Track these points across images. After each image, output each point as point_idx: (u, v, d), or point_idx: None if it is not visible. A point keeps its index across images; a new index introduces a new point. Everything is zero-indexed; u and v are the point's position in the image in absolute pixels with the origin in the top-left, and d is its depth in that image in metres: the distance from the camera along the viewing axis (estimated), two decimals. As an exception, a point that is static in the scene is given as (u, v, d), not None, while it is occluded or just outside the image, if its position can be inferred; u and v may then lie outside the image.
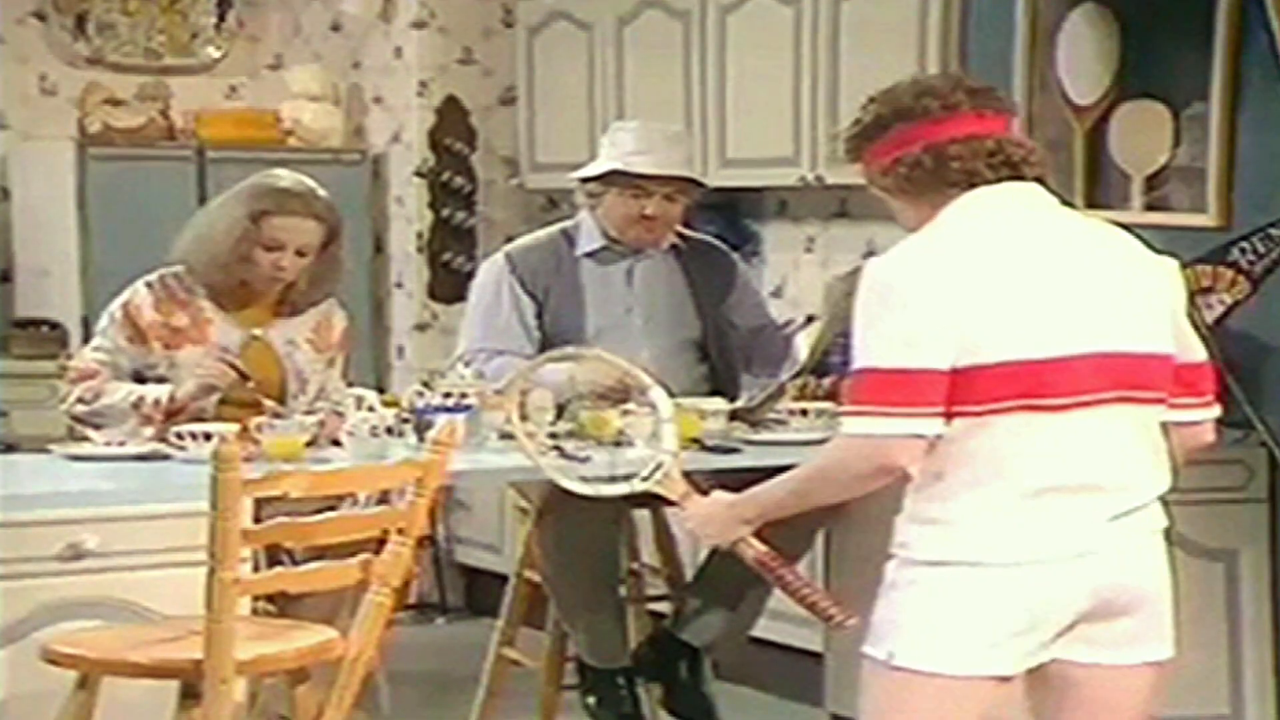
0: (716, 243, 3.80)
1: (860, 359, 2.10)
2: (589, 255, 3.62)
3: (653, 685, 3.49)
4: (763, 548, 2.29)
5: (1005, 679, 2.12)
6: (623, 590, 3.54)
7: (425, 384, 3.28)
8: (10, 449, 3.80)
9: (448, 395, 3.19)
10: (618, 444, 3.18)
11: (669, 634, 3.45)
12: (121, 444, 3.11)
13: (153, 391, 3.22)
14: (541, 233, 3.73)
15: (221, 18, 5.81)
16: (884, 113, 2.19)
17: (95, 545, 2.71)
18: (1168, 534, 2.22)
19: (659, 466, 2.43)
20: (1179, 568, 3.45)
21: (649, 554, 3.65)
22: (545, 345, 3.57)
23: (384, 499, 3.04)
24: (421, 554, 4.81)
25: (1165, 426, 2.18)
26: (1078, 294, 2.12)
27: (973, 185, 2.14)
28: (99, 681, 2.54)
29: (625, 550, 3.55)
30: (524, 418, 3.26)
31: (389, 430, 3.05)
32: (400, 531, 2.66)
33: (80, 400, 3.26)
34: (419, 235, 5.51)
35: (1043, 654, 2.13)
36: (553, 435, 3.22)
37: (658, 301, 3.62)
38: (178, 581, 2.63)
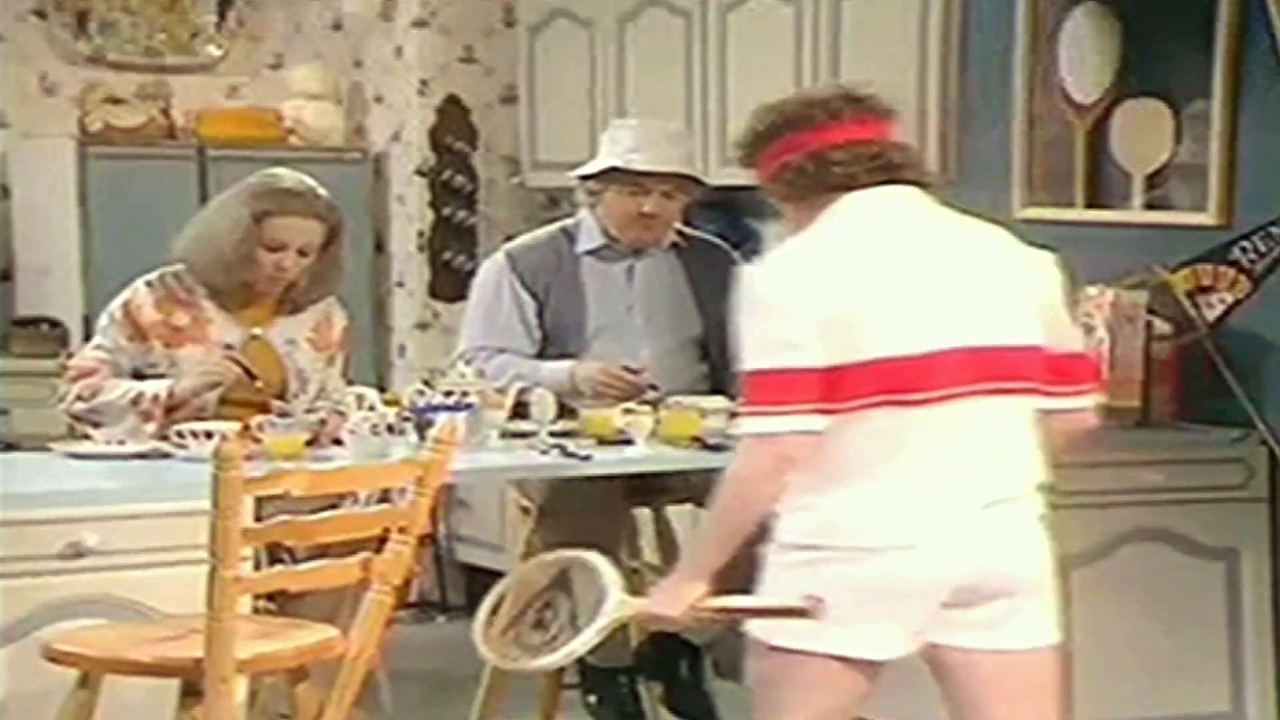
0: (717, 241, 3.80)
1: (746, 362, 2.23)
2: (589, 253, 3.62)
3: (653, 684, 3.49)
4: (714, 602, 2.30)
5: (873, 664, 2.21)
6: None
7: (426, 382, 3.29)
8: (11, 447, 3.80)
9: (449, 394, 3.19)
10: (619, 443, 3.19)
11: (670, 633, 3.45)
12: (122, 442, 3.11)
13: (151, 387, 3.22)
14: (542, 231, 3.73)
15: (222, 16, 5.80)
16: (774, 121, 2.32)
17: (96, 543, 2.72)
18: (1045, 520, 2.30)
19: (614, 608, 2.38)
20: (1180, 567, 3.47)
21: (650, 552, 3.65)
22: (546, 343, 3.58)
23: (385, 498, 3.04)
24: (422, 552, 4.81)
25: (1043, 416, 2.27)
26: (945, 291, 2.23)
27: (850, 187, 2.26)
28: (100, 680, 2.54)
29: (626, 549, 3.55)
30: (525, 417, 3.27)
31: (390, 429, 3.05)
32: (401, 530, 2.66)
33: (79, 398, 3.26)
34: (420, 234, 5.51)
35: (915, 640, 2.23)
36: (554, 435, 3.22)
37: (658, 300, 3.62)
38: (179, 580, 2.64)
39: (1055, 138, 3.90)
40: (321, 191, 3.35)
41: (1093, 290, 3.66)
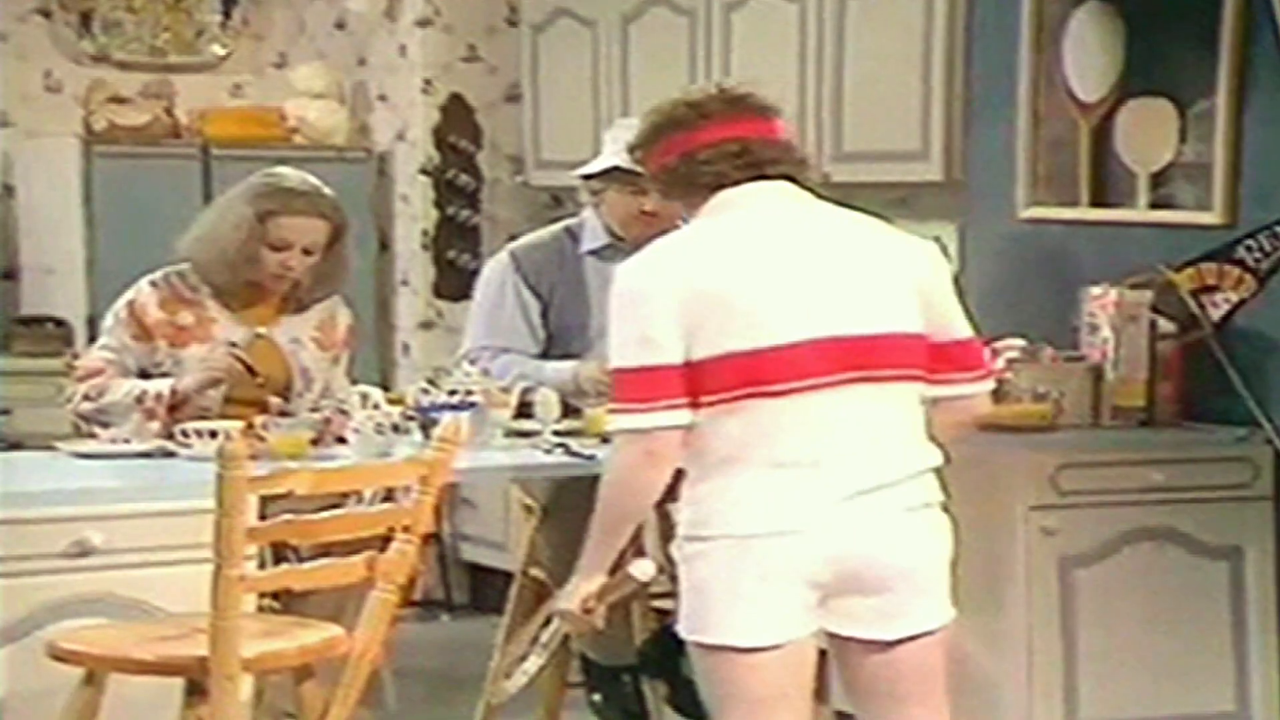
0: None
1: (612, 359, 2.29)
2: (593, 253, 3.63)
3: (657, 682, 3.49)
4: (594, 600, 2.40)
5: (766, 649, 2.26)
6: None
7: (430, 382, 3.29)
8: (15, 446, 3.81)
9: (453, 393, 3.19)
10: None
11: (674, 631, 3.44)
12: (126, 441, 3.12)
13: (154, 385, 3.23)
14: (546, 231, 3.74)
15: (226, 15, 5.81)
16: (654, 123, 2.39)
17: (100, 542, 2.72)
18: (946, 508, 2.34)
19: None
20: (1184, 566, 3.48)
21: (654, 551, 3.65)
22: (550, 343, 3.59)
23: (389, 497, 3.04)
24: (426, 551, 4.81)
25: (931, 404, 2.32)
26: (809, 282, 2.27)
27: (720, 185, 2.32)
28: (104, 678, 2.55)
29: (630, 547, 3.55)
30: (529, 417, 3.28)
31: (394, 428, 3.06)
32: (405, 529, 2.67)
33: (86, 398, 3.27)
34: (424, 233, 5.51)
35: (801, 626, 2.28)
36: (557, 434, 3.23)
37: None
38: (183, 579, 2.64)
39: (1060, 137, 3.90)
40: (326, 190, 3.36)
41: (1097, 289, 3.66)
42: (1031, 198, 3.98)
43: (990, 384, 2.42)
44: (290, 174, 3.37)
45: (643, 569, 2.31)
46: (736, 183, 2.32)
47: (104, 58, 5.67)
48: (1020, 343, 3.62)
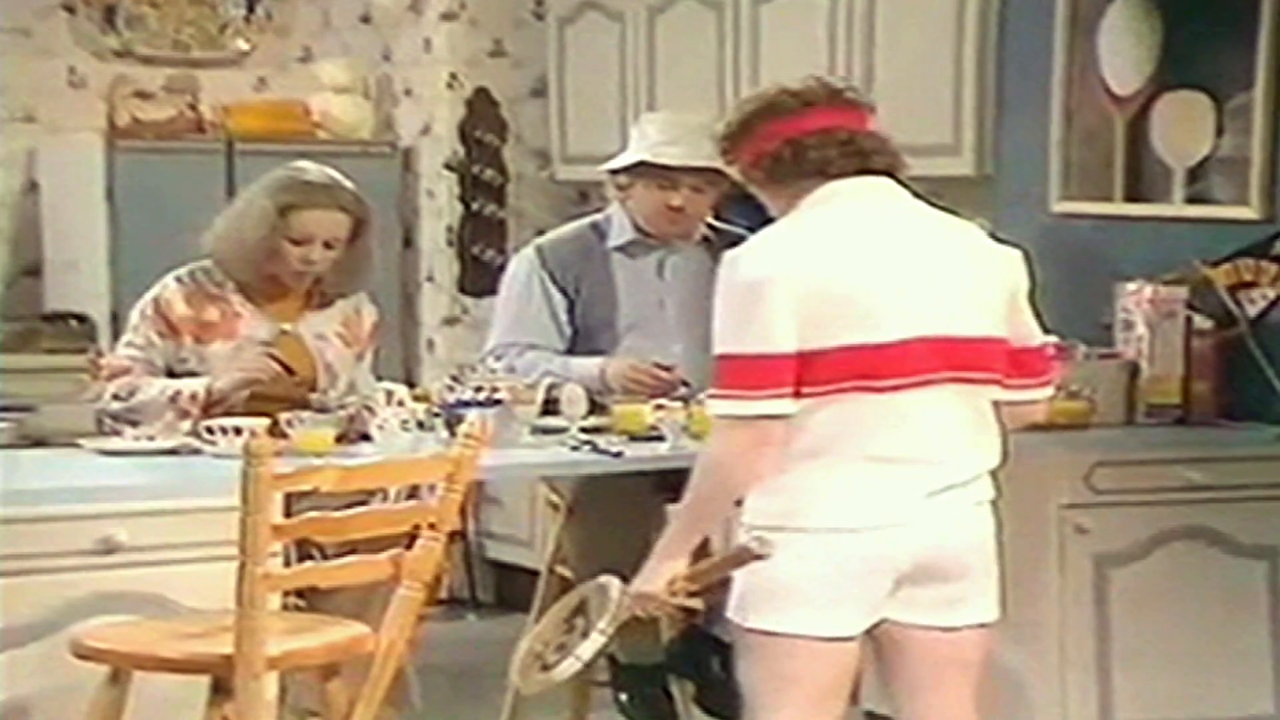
0: (749, 235, 3.79)
1: (721, 346, 2.32)
2: (620, 248, 3.63)
3: (685, 681, 3.49)
4: (683, 573, 2.37)
5: (841, 640, 2.30)
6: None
7: (455, 378, 3.30)
8: (40, 444, 3.82)
9: (478, 390, 3.20)
10: (650, 439, 3.20)
11: (701, 629, 3.46)
12: (151, 438, 3.14)
13: (189, 385, 3.24)
14: (572, 226, 3.74)
15: (250, 10, 5.83)
16: (750, 113, 2.42)
17: (126, 539, 2.74)
18: (995, 504, 2.41)
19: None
20: (1221, 566, 3.46)
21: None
22: (576, 339, 3.59)
23: (413, 494, 3.05)
24: (452, 549, 4.83)
25: (997, 406, 2.36)
26: (917, 281, 2.33)
27: (826, 174, 2.36)
28: (130, 676, 2.56)
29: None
30: (555, 413, 3.28)
31: (419, 425, 3.07)
32: (432, 527, 2.67)
33: (116, 397, 3.29)
34: (449, 228, 5.52)
35: (872, 616, 2.34)
36: (584, 431, 3.23)
37: (690, 295, 3.62)
38: (208, 576, 2.66)
39: (1094, 130, 3.88)
40: (347, 184, 3.37)
41: (1132, 286, 3.64)
42: (1064, 192, 3.96)
43: (1051, 389, 2.49)
44: (311, 168, 3.39)
45: (761, 543, 2.28)
46: (841, 172, 2.35)
47: (127, 53, 5.69)
48: (1053, 340, 3.60)
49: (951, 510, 2.34)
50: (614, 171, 3.62)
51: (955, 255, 2.37)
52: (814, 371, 2.27)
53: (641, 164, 3.55)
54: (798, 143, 2.35)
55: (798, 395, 2.28)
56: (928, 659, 2.37)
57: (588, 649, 2.39)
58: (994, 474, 2.41)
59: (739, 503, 2.37)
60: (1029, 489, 3.30)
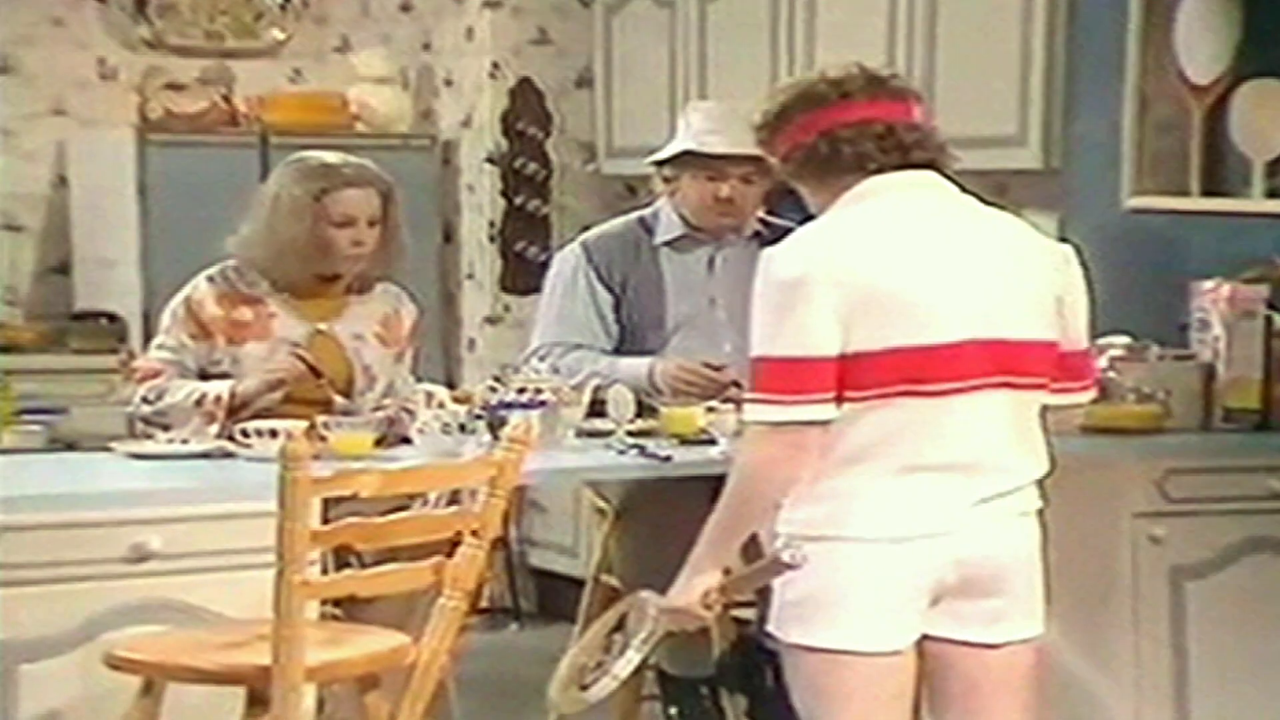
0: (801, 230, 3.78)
1: (758, 348, 2.29)
2: (668, 244, 3.63)
3: (737, 695, 3.48)
4: (718, 594, 2.36)
5: (890, 654, 2.28)
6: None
7: (497, 379, 3.30)
8: (70, 447, 3.86)
9: (521, 391, 3.20)
10: (701, 442, 3.19)
11: (754, 641, 3.44)
12: (185, 442, 3.15)
13: (214, 388, 3.26)
14: (619, 221, 3.74)
15: (286, -2, 5.87)
16: (786, 102, 2.38)
17: (159, 546, 2.75)
18: (1041, 515, 2.38)
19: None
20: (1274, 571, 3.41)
21: (732, 557, 3.64)
22: (624, 339, 3.59)
23: (453, 500, 3.06)
24: (494, 557, 4.84)
25: (1043, 410, 2.35)
26: (965, 280, 2.29)
27: (864, 168, 2.32)
28: (163, 688, 2.57)
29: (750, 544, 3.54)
30: (601, 416, 3.28)
31: (461, 428, 3.07)
32: (474, 533, 2.68)
33: (145, 401, 3.31)
34: (491, 224, 5.53)
35: (919, 628, 2.32)
36: (632, 434, 3.23)
37: (741, 292, 3.59)
38: (244, 584, 2.67)
39: (1169, 121, 3.85)
40: (365, 160, 3.37)
41: (1208, 284, 3.61)
42: (1137, 186, 3.93)
43: (1093, 394, 2.48)
44: (320, 153, 3.41)
45: (793, 553, 2.27)
46: (880, 166, 2.32)
47: (159, 43, 5.73)
48: (1125, 340, 3.58)
49: (997, 520, 2.31)
50: (659, 163, 3.62)
51: (1004, 253, 2.33)
52: (859, 375, 2.24)
53: (687, 154, 3.54)
54: (833, 135, 2.32)
55: (840, 400, 2.25)
56: (972, 678, 2.34)
57: (623, 668, 2.38)
58: (1041, 484, 2.38)
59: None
60: (1100, 497, 3.28)
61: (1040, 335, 2.33)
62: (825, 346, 2.24)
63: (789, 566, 2.27)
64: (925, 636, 2.33)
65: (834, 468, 2.28)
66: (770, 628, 2.36)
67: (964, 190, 2.38)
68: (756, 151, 3.54)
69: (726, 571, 2.38)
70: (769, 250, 2.33)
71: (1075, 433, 2.47)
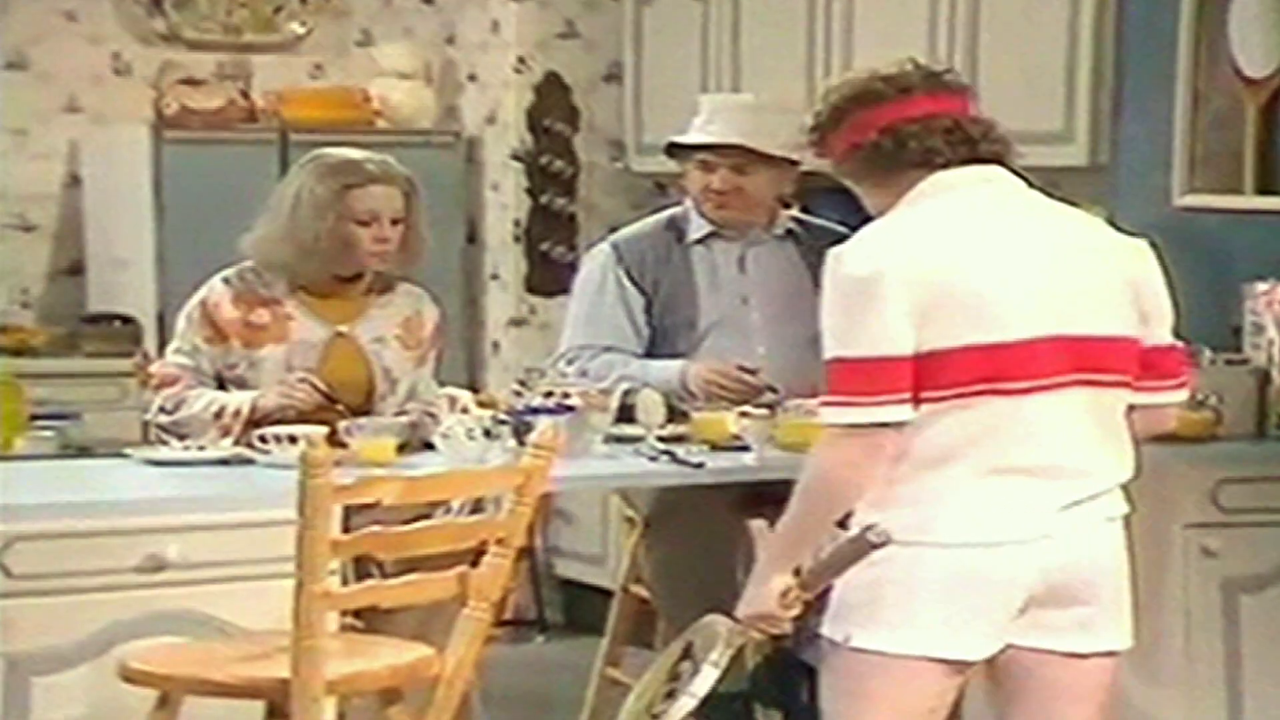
0: (838, 229, 3.77)
1: (831, 349, 2.29)
2: (699, 242, 3.63)
3: (772, 710, 3.48)
4: (794, 589, 2.34)
5: (962, 664, 2.27)
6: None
7: (523, 383, 3.31)
8: (84, 452, 3.87)
9: (548, 395, 3.21)
10: (734, 449, 3.19)
11: (789, 654, 3.44)
12: (202, 448, 3.16)
13: (233, 401, 3.26)
14: (649, 220, 3.75)
15: (306, -10, 5.88)
16: (841, 101, 2.39)
17: (176, 556, 2.76)
18: (1127, 520, 2.36)
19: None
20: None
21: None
22: (654, 341, 3.59)
23: (476, 508, 3.06)
24: (519, 567, 4.84)
25: (1128, 410, 2.33)
26: (1038, 277, 2.29)
27: (931, 164, 2.33)
28: (180, 701, 2.58)
29: (741, 563, 3.53)
30: (631, 421, 3.28)
31: (486, 433, 3.07)
32: (500, 542, 2.68)
33: (162, 410, 3.32)
34: (516, 223, 5.54)
35: (998, 640, 2.29)
36: (662, 440, 3.23)
37: (775, 293, 3.62)
38: (263, 595, 2.67)
39: (1223, 116, 3.83)
40: (386, 157, 3.38)
41: (1263, 286, 3.59)
42: (1189, 184, 3.91)
43: (1185, 393, 2.47)
44: (339, 149, 3.41)
45: (879, 532, 2.25)
46: (948, 161, 2.33)
47: (175, 37, 5.75)
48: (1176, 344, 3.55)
49: (1085, 525, 2.30)
50: (670, 155, 3.64)
51: (1078, 248, 2.34)
52: (935, 375, 2.24)
53: (675, 146, 3.58)
54: (898, 131, 2.33)
55: (917, 401, 2.25)
56: (1052, 689, 2.32)
57: (701, 684, 2.35)
58: (1125, 487, 2.37)
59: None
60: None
61: (1118, 331, 2.33)
62: (900, 346, 2.24)
63: (875, 546, 2.25)
64: (1009, 645, 2.31)
65: (916, 471, 2.27)
66: (825, 629, 2.34)
67: (1030, 185, 2.38)
68: (731, 140, 3.59)
69: (796, 572, 2.35)
70: (836, 249, 2.33)
71: (1169, 434, 2.46)
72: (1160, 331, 2.40)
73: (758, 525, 2.43)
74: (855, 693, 2.32)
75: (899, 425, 2.25)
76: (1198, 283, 3.84)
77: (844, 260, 2.30)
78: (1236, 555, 3.30)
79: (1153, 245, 4.16)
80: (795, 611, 2.35)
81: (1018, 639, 2.32)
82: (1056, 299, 2.28)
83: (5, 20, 5.55)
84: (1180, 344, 2.44)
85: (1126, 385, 2.35)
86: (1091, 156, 4.10)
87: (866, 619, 2.30)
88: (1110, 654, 2.35)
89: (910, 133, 2.32)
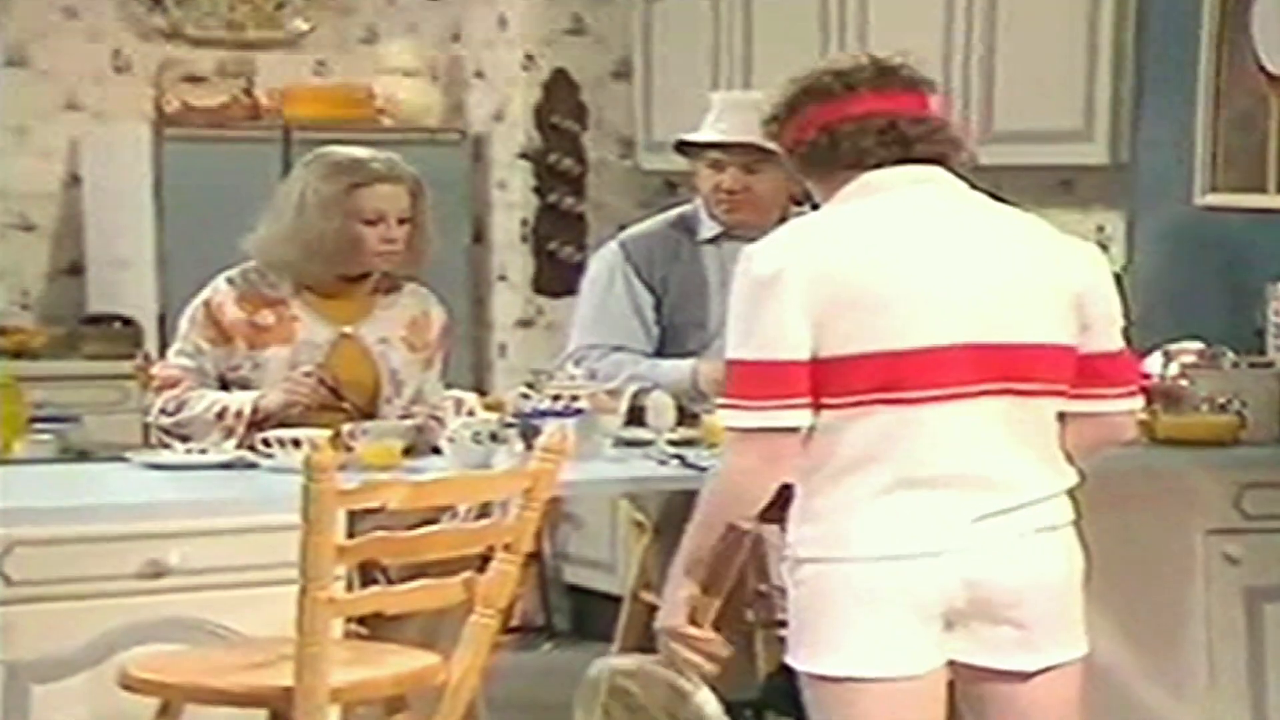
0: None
1: (730, 349, 2.28)
2: (709, 241, 3.63)
3: (783, 719, 3.47)
4: (699, 596, 2.32)
5: (896, 681, 2.24)
6: (750, 614, 3.53)
7: (530, 386, 3.30)
8: (84, 456, 3.87)
9: (556, 398, 3.20)
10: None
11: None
12: (204, 451, 3.16)
13: (235, 401, 3.27)
14: (658, 219, 3.75)
15: (309, -15, 5.89)
16: (793, 95, 2.37)
17: (177, 562, 2.76)
18: (1076, 527, 2.32)
19: None
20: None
21: (779, 574, 3.63)
22: (664, 341, 3.59)
23: (483, 513, 3.06)
24: (526, 573, 4.84)
25: (1072, 419, 2.30)
26: (956, 282, 2.26)
27: (863, 164, 2.31)
28: (181, 709, 2.58)
29: (753, 570, 3.54)
30: (641, 423, 3.28)
31: (492, 437, 3.07)
32: (507, 547, 2.68)
33: (164, 412, 3.32)
34: (523, 222, 5.54)
35: (933, 656, 2.28)
36: (673, 443, 3.22)
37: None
38: (266, 601, 2.67)
39: (1246, 114, 3.82)
40: (390, 155, 3.38)
41: (1286, 287, 3.59)
42: (1211, 183, 3.91)
43: (1138, 402, 2.43)
44: (346, 147, 3.41)
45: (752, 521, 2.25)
46: (880, 162, 2.31)
47: (177, 33, 5.76)
48: (1197, 346, 3.55)
49: (1006, 537, 2.26)
50: (681, 152, 3.64)
51: (1012, 253, 2.30)
52: (834, 381, 2.23)
53: (684, 144, 3.57)
54: (835, 130, 2.31)
55: (818, 408, 2.24)
56: (1011, 709, 2.29)
57: (715, 711, 2.33)
58: (1071, 494, 2.33)
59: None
60: (1170, 513, 3.25)
61: (1049, 339, 2.28)
62: (795, 349, 2.23)
63: (744, 533, 2.24)
64: (955, 663, 2.30)
65: (824, 483, 2.26)
66: (786, 657, 2.33)
67: (974, 187, 2.35)
68: (743, 138, 3.59)
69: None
70: (749, 247, 2.32)
71: (1139, 442, 2.41)
72: (1104, 337, 2.35)
73: (769, 530, 2.43)
74: (818, 715, 2.30)
75: (796, 430, 2.23)
76: (1219, 284, 3.85)
77: (751, 259, 2.28)
78: (1260, 562, 3.29)
79: (1174, 244, 4.17)
80: (708, 632, 2.31)
81: (960, 655, 2.29)
82: (977, 305, 2.25)
83: (5, 17, 5.56)
84: (1127, 350, 2.39)
85: (1058, 394, 2.30)
86: (1112, 155, 4.09)
87: (803, 642, 2.28)
88: (1062, 666, 2.31)
89: (846, 132, 2.30)
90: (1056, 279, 2.31)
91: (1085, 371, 2.32)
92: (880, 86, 2.32)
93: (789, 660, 2.32)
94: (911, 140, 2.31)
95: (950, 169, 2.33)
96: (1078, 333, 2.31)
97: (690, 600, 2.31)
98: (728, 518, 2.29)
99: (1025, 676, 2.29)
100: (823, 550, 2.26)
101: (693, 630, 2.31)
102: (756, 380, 2.24)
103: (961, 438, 2.24)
